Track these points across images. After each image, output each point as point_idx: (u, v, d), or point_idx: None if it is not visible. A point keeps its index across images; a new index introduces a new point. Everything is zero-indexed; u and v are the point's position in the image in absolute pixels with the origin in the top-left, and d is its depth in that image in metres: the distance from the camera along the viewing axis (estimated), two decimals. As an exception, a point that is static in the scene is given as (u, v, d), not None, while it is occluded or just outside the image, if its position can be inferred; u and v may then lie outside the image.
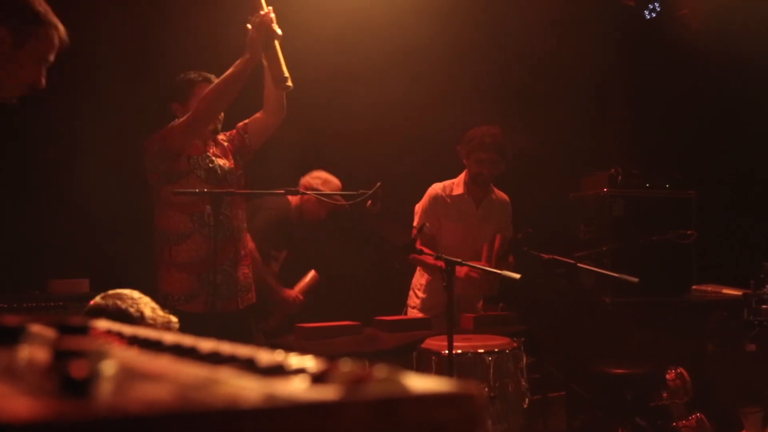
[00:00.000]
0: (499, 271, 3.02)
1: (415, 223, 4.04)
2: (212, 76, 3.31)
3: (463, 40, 4.93)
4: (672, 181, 4.94)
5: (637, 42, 5.52)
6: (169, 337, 0.78)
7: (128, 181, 4.02)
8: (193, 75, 3.36)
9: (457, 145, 4.01)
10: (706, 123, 5.29)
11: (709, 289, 3.61)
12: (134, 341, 0.83)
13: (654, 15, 5.62)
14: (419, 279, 4.14)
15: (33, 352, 0.64)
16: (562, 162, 5.13)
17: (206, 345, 0.71)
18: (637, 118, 5.38)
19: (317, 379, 0.51)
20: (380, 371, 0.49)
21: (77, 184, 4.03)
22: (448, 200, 4.04)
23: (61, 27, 2.09)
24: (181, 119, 3.21)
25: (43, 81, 2.08)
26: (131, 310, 1.68)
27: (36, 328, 0.79)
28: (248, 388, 0.48)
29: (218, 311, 3.06)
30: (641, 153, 5.27)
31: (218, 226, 3.10)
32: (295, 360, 0.57)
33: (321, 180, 3.95)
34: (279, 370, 0.55)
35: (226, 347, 0.69)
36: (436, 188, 4.08)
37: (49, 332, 0.78)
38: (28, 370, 0.56)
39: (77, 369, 0.43)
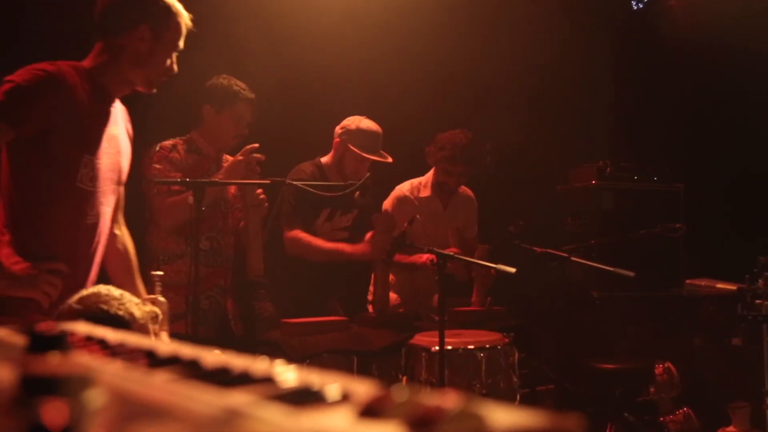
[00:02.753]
0: (494, 265, 2.92)
1: None
2: (253, 97, 3.27)
3: (449, 32, 4.84)
4: (660, 174, 4.88)
5: (626, 33, 5.45)
6: (163, 348, 0.66)
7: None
8: (238, 87, 3.28)
9: (427, 146, 3.92)
10: (695, 115, 5.25)
11: (703, 283, 3.55)
12: (119, 352, 0.70)
13: (641, 5, 5.56)
14: (386, 276, 4.06)
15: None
16: (549, 154, 5.05)
17: (210, 358, 0.59)
18: (626, 110, 5.32)
19: (368, 412, 0.40)
20: (452, 402, 0.38)
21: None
22: (416, 202, 3.97)
23: (185, 13, 2.27)
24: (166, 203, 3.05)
25: (175, 67, 2.29)
26: (120, 313, 1.52)
27: (2, 335, 0.66)
28: (282, 428, 0.36)
29: (201, 336, 2.97)
30: (630, 145, 5.21)
31: (199, 222, 2.95)
32: (331, 383, 0.46)
33: (355, 123, 3.66)
34: (313, 397, 0.44)
35: (236, 361, 0.58)
36: (403, 189, 4.00)
37: (16, 340, 0.66)
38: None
39: (53, 415, 0.31)
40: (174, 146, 3.23)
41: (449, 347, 3.04)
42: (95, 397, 0.37)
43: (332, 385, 0.46)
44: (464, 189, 4.10)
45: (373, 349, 3.27)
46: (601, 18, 5.44)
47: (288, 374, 0.50)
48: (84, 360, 0.56)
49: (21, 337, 0.66)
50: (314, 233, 3.58)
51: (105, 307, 1.50)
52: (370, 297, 3.98)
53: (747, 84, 4.79)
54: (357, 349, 3.21)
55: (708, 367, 4.36)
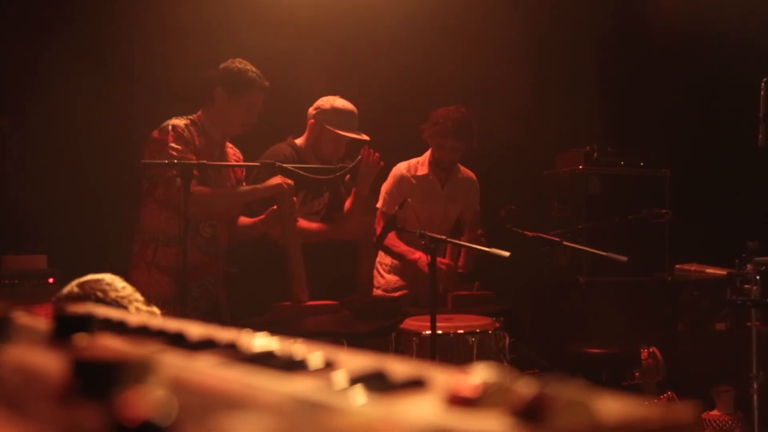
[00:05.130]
0: (488, 249, 2.90)
1: (378, 204, 3.91)
2: (267, 85, 3.20)
3: (436, 19, 4.80)
4: (647, 159, 4.88)
5: (613, 19, 5.43)
6: (193, 330, 0.61)
7: (87, 154, 3.82)
8: (253, 74, 3.18)
9: (421, 123, 3.88)
10: (681, 101, 5.26)
11: (693, 268, 3.57)
12: (143, 336, 0.66)
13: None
14: (384, 258, 4.02)
15: (27, 358, 0.47)
16: (535, 140, 5.04)
17: (247, 341, 0.55)
18: (613, 95, 5.31)
19: (457, 400, 0.36)
20: (558, 390, 0.34)
21: (32, 155, 3.79)
22: (413, 181, 3.93)
23: None
24: (195, 192, 2.93)
25: None
26: (123, 303, 1.42)
27: (22, 318, 0.61)
28: (371, 418, 0.33)
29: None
30: (616, 131, 5.21)
31: (187, 204, 2.89)
32: (400, 368, 0.42)
33: (329, 103, 3.59)
34: (385, 384, 0.40)
35: (276, 345, 0.54)
36: (400, 168, 3.96)
37: (38, 324, 0.61)
38: (26, 391, 0.39)
39: (130, 407, 0.26)
40: (186, 126, 3.12)
41: (440, 332, 3.02)
42: (161, 386, 0.33)
43: (404, 370, 0.42)
44: (466, 170, 4.06)
45: (360, 331, 3.24)
46: (589, 4, 5.41)
47: (344, 360, 0.46)
48: (117, 344, 0.51)
49: (42, 320, 0.61)
50: None
51: (105, 297, 1.42)
52: (374, 282, 3.97)
53: (732, 69, 4.81)
54: (345, 332, 3.17)
55: (692, 351, 4.40)
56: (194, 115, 3.19)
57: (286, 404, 0.34)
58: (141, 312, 1.46)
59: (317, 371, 0.45)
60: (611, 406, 0.35)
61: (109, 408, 0.28)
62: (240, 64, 3.19)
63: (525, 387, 0.35)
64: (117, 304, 1.39)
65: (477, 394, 0.36)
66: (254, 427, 0.30)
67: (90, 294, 1.40)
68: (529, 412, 0.33)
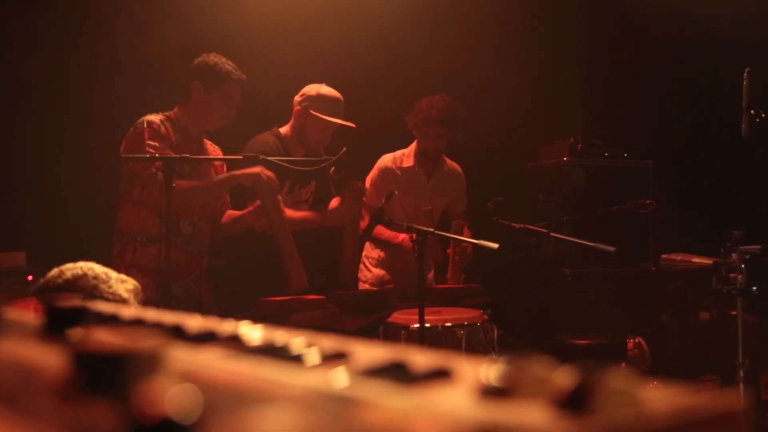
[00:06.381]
0: (476, 241, 2.88)
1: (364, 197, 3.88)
2: (244, 77, 3.17)
3: (424, 10, 4.77)
4: (630, 150, 4.89)
5: (596, 11, 5.44)
6: (191, 322, 0.59)
7: (67, 150, 3.76)
8: (229, 67, 3.14)
9: (407, 115, 3.86)
10: (664, 91, 5.28)
11: (679, 258, 3.57)
12: (139, 329, 0.63)
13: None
14: (370, 252, 4.00)
15: (21, 353, 0.44)
16: (519, 132, 5.03)
17: (249, 332, 0.52)
18: (597, 87, 5.32)
19: (492, 391, 0.33)
20: (601, 378, 0.32)
21: (11, 152, 3.72)
22: (398, 172, 3.90)
23: None
24: (177, 185, 2.83)
25: None
26: (109, 298, 1.39)
27: (9, 313, 0.58)
28: (399, 410, 0.30)
29: None
30: (600, 122, 5.21)
31: (170, 198, 2.84)
32: (425, 357, 0.39)
33: (315, 90, 3.54)
34: (406, 374, 0.38)
35: (278, 336, 0.51)
36: (385, 160, 3.93)
37: (26, 318, 0.58)
38: (24, 388, 0.35)
39: (148, 404, 0.23)
40: (162, 122, 3.07)
41: (428, 325, 3.01)
42: (171, 381, 0.30)
43: (425, 360, 0.39)
44: (452, 163, 4.05)
45: (349, 329, 3.21)
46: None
47: (357, 351, 0.44)
48: (115, 337, 0.48)
49: (31, 315, 0.58)
50: None
51: (96, 292, 1.38)
52: (360, 275, 3.93)
53: (715, 60, 4.83)
54: (333, 327, 3.15)
55: (678, 341, 4.42)
56: (170, 112, 3.15)
57: (312, 398, 0.31)
58: (126, 289, 1.44)
59: (329, 362, 0.43)
60: (658, 394, 0.33)
61: (123, 404, 0.25)
62: (215, 57, 3.17)
63: (563, 376, 0.33)
64: (108, 293, 1.36)
65: (511, 384, 0.33)
66: (285, 424, 0.27)
67: (76, 284, 1.36)
68: (572, 402, 0.31)
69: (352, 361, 0.42)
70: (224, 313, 3.24)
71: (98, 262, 1.58)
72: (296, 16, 4.43)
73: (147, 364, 0.31)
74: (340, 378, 0.36)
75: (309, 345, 0.46)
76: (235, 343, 0.51)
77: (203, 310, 3.22)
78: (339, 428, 0.27)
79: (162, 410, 0.24)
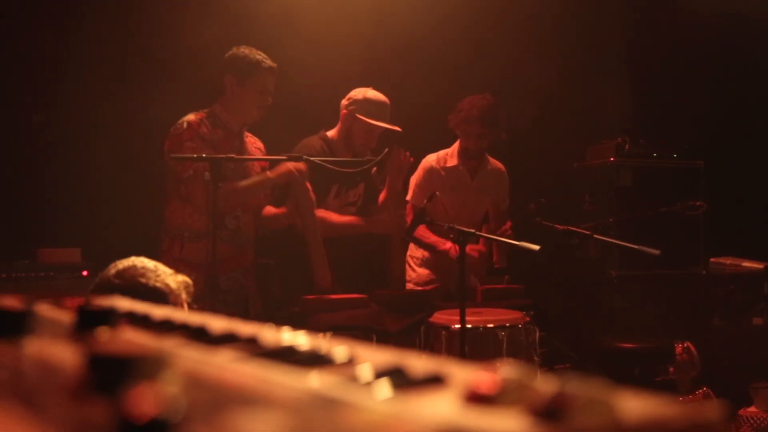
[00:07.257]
0: (518, 243, 2.87)
1: (408, 197, 3.90)
2: (275, 66, 3.20)
3: (466, 9, 4.75)
4: (680, 151, 4.79)
5: (644, 7, 5.34)
6: (215, 324, 0.62)
7: (120, 147, 3.87)
8: (260, 57, 3.20)
9: (449, 114, 3.86)
10: (714, 90, 5.15)
11: (728, 262, 3.49)
12: (166, 329, 0.66)
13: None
14: (415, 252, 4.01)
15: (47, 352, 0.47)
16: (566, 131, 4.98)
17: (270, 336, 0.54)
18: (644, 86, 5.22)
19: (475, 397, 0.35)
20: (577, 387, 0.33)
21: (65, 150, 3.86)
22: (443, 173, 3.90)
23: None
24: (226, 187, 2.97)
25: None
26: (158, 285, 1.47)
27: (45, 311, 0.62)
28: (386, 415, 0.32)
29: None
30: (648, 122, 5.12)
31: (217, 196, 2.91)
32: (417, 363, 0.41)
33: (362, 93, 3.57)
34: (405, 380, 0.40)
35: (299, 340, 0.53)
36: (429, 160, 3.94)
37: (62, 316, 0.62)
38: (43, 386, 0.39)
39: (139, 403, 0.26)
40: (201, 121, 3.14)
41: (469, 326, 3.00)
42: (174, 381, 0.33)
43: (422, 365, 0.41)
44: (495, 162, 4.03)
45: (390, 330, 3.23)
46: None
47: (365, 356, 0.46)
48: (137, 338, 0.51)
49: (66, 314, 0.62)
50: (326, 210, 3.54)
51: (143, 280, 1.46)
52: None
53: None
54: (375, 327, 3.17)
55: (729, 347, 4.31)
56: (209, 108, 3.22)
57: (301, 400, 0.34)
58: (175, 280, 1.50)
59: (337, 366, 0.45)
60: (634, 404, 0.34)
61: (118, 404, 0.28)
62: (245, 49, 3.21)
63: (544, 385, 0.34)
64: (155, 281, 1.43)
65: (495, 392, 0.35)
66: (265, 424, 0.29)
67: (129, 280, 1.42)
68: (548, 411, 0.32)
69: (356, 366, 0.44)
70: (269, 310, 3.30)
71: (149, 257, 1.64)
72: (341, 19, 4.46)
73: (152, 366, 0.33)
74: (335, 381, 0.38)
75: (320, 349, 0.49)
76: (251, 345, 0.54)
77: (249, 303, 3.29)
78: (317, 429, 0.29)
79: (149, 410, 0.27)
